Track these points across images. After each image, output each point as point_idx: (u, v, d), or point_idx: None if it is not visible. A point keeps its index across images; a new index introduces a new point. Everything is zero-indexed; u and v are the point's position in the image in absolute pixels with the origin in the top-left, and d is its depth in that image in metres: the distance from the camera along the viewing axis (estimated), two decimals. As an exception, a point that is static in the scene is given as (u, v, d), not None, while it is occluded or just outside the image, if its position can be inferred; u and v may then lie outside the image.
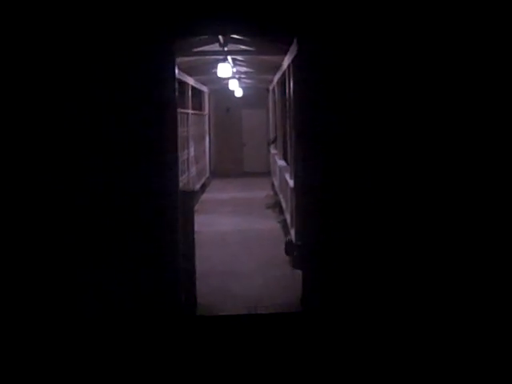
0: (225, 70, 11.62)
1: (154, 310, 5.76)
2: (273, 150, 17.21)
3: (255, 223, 11.79)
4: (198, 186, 15.54)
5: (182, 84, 13.67)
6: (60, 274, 5.78)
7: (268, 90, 18.68)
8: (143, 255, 5.71)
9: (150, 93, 5.50)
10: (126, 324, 5.77)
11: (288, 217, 10.39)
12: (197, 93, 16.92)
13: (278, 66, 12.59)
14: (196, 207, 13.96)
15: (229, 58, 11.57)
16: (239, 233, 10.90)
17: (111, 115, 5.41)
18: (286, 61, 10.09)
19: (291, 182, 9.08)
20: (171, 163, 5.25)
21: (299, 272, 6.76)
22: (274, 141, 17.18)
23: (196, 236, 6.61)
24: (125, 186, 5.34)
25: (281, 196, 13.11)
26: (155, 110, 5.40)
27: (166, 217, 5.40)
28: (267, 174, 19.57)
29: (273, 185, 16.66)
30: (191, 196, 5.65)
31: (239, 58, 12.52)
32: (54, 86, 5.67)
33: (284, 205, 11.65)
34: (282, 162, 13.25)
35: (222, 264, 8.58)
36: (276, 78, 13.96)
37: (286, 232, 10.45)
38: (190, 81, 14.25)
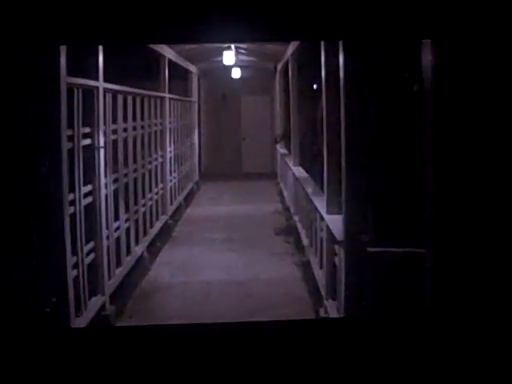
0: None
1: None
2: (281, 149, 13.09)
3: (262, 267, 7.60)
4: (180, 198, 11.42)
5: (155, 56, 9.54)
6: None
7: (275, 68, 14.35)
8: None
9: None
10: None
11: (317, 268, 6.31)
12: (181, 72, 12.76)
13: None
14: (174, 232, 9.93)
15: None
16: (236, 290, 6.77)
17: None
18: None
19: (330, 222, 4.92)
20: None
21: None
22: (284, 137, 13.05)
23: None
24: None
25: (296, 218, 9.04)
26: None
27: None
28: (272, 175, 15.54)
29: (281, 194, 12.58)
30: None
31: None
32: None
33: (306, 240, 7.56)
34: (299, 171, 9.12)
35: None
36: (291, 49, 9.72)
37: (313, 289, 6.39)
38: (168, 52, 10.05)
